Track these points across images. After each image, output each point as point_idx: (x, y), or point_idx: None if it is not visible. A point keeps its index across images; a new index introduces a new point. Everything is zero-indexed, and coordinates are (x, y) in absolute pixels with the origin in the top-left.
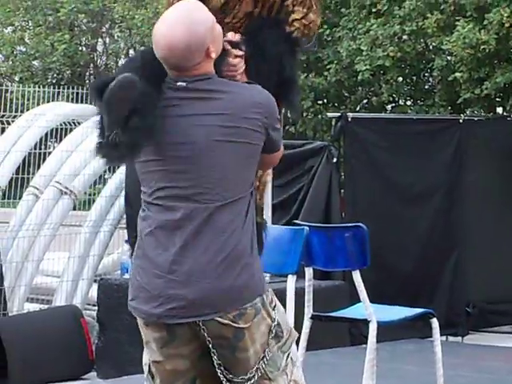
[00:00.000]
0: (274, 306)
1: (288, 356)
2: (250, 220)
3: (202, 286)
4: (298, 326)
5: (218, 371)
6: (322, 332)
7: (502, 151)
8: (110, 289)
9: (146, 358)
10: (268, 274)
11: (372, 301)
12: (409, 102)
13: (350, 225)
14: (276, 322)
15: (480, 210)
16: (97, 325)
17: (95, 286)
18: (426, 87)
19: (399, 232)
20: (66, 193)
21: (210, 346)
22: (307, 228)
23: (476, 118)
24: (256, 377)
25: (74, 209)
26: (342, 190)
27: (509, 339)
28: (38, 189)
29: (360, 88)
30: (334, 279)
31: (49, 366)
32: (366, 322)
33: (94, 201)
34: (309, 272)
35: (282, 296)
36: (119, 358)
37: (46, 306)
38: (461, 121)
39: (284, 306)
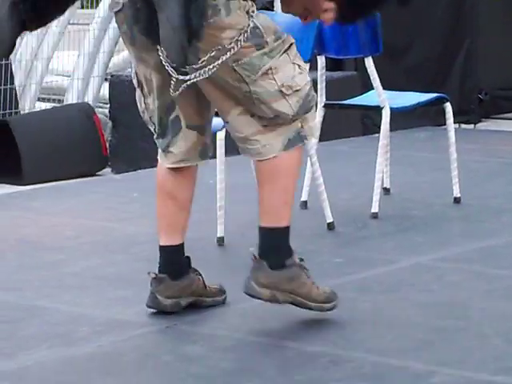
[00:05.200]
0: (253, 13)
1: (277, 61)
2: None
3: None
4: None
5: (165, 65)
6: (335, 122)
7: None
8: (122, 85)
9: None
10: None
11: (385, 89)
12: None
13: None
14: (252, 25)
15: (490, 5)
16: (109, 122)
17: (106, 84)
18: None
19: (412, 20)
20: None
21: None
22: None
23: None
24: (208, 69)
25: (82, 7)
26: None
27: None
28: None
29: None
30: (346, 70)
31: (63, 163)
32: (378, 110)
33: None
34: (321, 60)
35: None
36: (132, 154)
37: (58, 105)
38: None
39: None
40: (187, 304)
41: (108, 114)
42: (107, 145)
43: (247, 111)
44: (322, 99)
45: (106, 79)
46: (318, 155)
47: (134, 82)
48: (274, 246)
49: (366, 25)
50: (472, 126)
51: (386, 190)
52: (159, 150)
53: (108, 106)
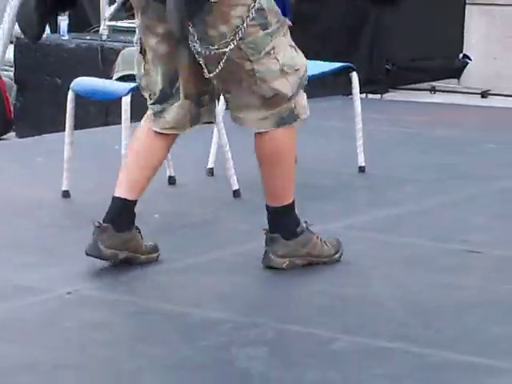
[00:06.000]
0: None
1: (277, 41)
2: None
3: None
4: None
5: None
6: None
7: None
8: (27, 48)
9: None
10: None
11: None
12: None
13: None
14: (258, 6)
15: None
16: (15, 85)
17: (12, 47)
18: None
19: None
20: None
21: None
22: None
23: None
24: (225, 49)
25: None
26: None
27: (426, 95)
28: None
29: None
30: None
31: None
32: None
33: None
34: None
35: None
36: (38, 118)
37: None
38: None
39: None
40: (124, 258)
41: (13, 78)
42: (12, 108)
43: (248, 88)
44: None
45: (11, 42)
46: (225, 123)
47: (136, 47)
48: (284, 221)
49: None
50: (379, 95)
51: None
52: (148, 114)
53: (13, 69)
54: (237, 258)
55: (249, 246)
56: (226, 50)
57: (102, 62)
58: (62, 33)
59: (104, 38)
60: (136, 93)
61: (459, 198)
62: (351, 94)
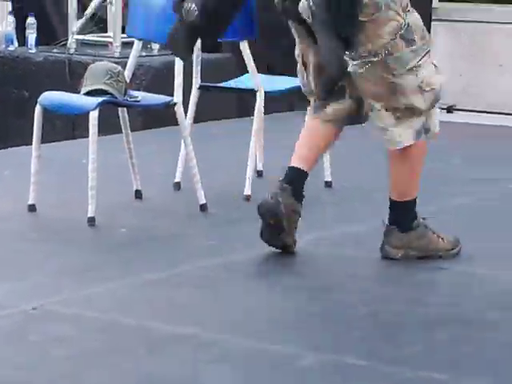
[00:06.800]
0: (408, 11)
1: (421, 59)
2: None
3: None
4: (187, 98)
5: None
6: (209, 104)
7: None
8: None
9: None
10: (157, 47)
11: (261, 72)
12: None
13: None
14: (406, 25)
15: None
16: None
17: None
18: None
19: None
20: None
21: None
22: None
23: None
24: (373, 58)
25: None
26: None
27: None
28: None
29: None
30: (223, 52)
31: None
32: (253, 93)
33: None
34: (197, 43)
35: (171, 68)
36: (5, 131)
37: None
38: None
39: (173, 78)
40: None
41: None
42: None
43: (385, 106)
44: (196, 81)
45: None
46: (192, 137)
47: (298, 58)
48: (403, 215)
49: (242, 9)
50: None
51: (259, 173)
52: (311, 109)
53: None
54: (203, 272)
55: (215, 260)
56: (374, 59)
57: (69, 76)
58: (29, 46)
59: (72, 51)
60: (104, 107)
61: (422, 214)
62: None
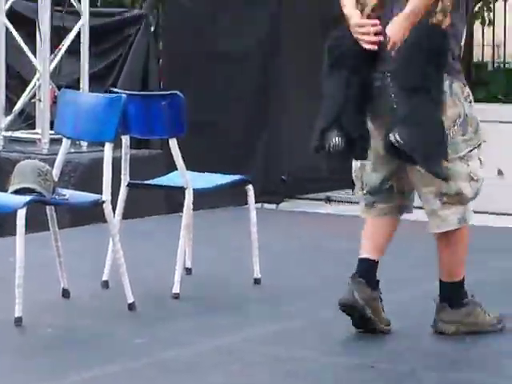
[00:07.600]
0: (470, 102)
1: (472, 150)
2: None
3: None
4: (116, 194)
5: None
6: (138, 201)
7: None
8: None
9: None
10: (85, 143)
11: (191, 169)
12: None
13: (167, 93)
14: (464, 114)
15: (295, 85)
16: None
17: None
18: None
19: (218, 101)
20: None
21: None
22: (124, 96)
23: None
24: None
25: None
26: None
27: (321, 206)
28: None
29: None
30: (152, 149)
31: None
32: (182, 190)
33: None
34: (125, 140)
35: (99, 164)
36: None
37: None
38: None
39: (101, 174)
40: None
41: None
42: None
43: (434, 192)
44: (125, 178)
45: None
46: (121, 233)
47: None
48: (453, 294)
49: (170, 106)
50: (275, 205)
51: (188, 270)
52: (362, 205)
53: None
54: (132, 373)
55: (143, 360)
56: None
57: None
58: None
59: (0, 148)
60: (31, 205)
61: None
62: (246, 204)
